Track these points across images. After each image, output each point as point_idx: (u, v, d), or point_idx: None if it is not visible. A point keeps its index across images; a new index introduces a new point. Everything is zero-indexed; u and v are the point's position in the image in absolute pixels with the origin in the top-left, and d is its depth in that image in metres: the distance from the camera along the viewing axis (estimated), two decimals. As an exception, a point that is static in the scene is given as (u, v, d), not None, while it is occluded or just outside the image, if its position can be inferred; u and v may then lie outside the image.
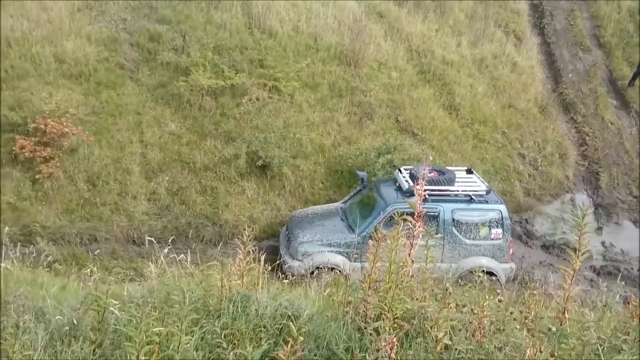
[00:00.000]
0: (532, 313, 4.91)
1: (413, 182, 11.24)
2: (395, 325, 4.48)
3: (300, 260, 10.98)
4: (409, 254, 4.90)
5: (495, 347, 4.38)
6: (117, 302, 4.78)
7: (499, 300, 4.96)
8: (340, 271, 10.73)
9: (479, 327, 4.47)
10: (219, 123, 14.12)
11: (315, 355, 4.59)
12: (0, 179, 12.15)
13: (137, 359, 4.07)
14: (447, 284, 4.58)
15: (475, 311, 4.57)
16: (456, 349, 4.39)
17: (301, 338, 4.09)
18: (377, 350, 4.01)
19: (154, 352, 4.18)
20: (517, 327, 4.68)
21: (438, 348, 4.28)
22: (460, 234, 11.21)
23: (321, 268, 10.73)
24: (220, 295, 4.99)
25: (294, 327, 4.19)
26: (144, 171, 13.24)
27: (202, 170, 13.44)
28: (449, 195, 11.34)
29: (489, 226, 11.35)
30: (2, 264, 6.24)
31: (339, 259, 10.99)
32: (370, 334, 4.43)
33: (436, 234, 10.88)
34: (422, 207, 4.88)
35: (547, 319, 4.78)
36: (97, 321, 4.63)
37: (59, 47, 14.33)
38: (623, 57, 19.39)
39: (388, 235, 4.76)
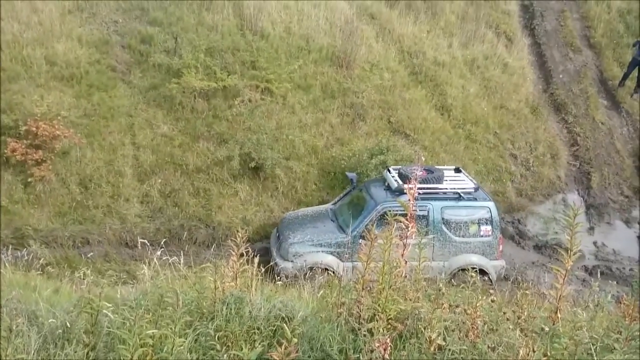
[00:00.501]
0: (525, 313, 4.93)
1: (402, 181, 11.29)
2: (389, 326, 4.49)
3: (291, 261, 10.99)
4: (402, 255, 4.92)
5: (488, 347, 4.40)
6: (110, 305, 4.77)
7: (492, 301, 4.98)
8: (332, 271, 10.75)
9: (472, 327, 4.49)
10: (211, 125, 14.10)
11: (309, 356, 4.59)
12: (-9, 182, 12.10)
13: (130, 361, 4.06)
14: (440, 284, 4.58)
15: (468, 311, 4.58)
16: (450, 350, 4.41)
17: (295, 340, 4.09)
18: (371, 351, 4.02)
19: (148, 355, 4.18)
20: (510, 327, 4.70)
21: (432, 349, 4.29)
22: (450, 231, 11.26)
23: (313, 269, 10.75)
24: (214, 297, 4.99)
25: (287, 329, 4.20)
26: (136, 173, 13.22)
27: (194, 172, 13.42)
28: (437, 193, 11.38)
29: (478, 223, 11.41)
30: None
31: (330, 259, 11.01)
32: (364, 335, 4.44)
33: (426, 232, 10.92)
34: (414, 209, 4.90)
35: (540, 319, 4.80)
36: (90, 324, 4.62)
37: (50, 50, 14.27)
38: (613, 58, 19.48)
39: (380, 235, 4.77)
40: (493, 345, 4.42)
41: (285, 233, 11.52)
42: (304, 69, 15.59)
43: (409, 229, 4.95)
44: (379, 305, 4.63)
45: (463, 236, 11.31)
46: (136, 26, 15.51)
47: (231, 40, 15.42)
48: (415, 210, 5.07)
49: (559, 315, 4.70)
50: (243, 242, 5.20)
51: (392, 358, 4.29)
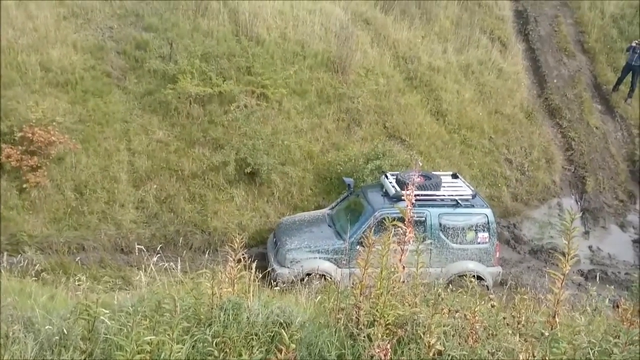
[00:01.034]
0: (523, 318, 4.93)
1: (399, 187, 11.28)
2: (388, 331, 4.48)
3: (288, 268, 10.95)
4: (400, 260, 4.91)
5: (488, 352, 4.39)
6: (107, 311, 4.74)
7: (492, 305, 4.97)
8: (329, 278, 10.71)
9: (472, 332, 4.48)
10: (207, 130, 14.08)
11: (307, 362, 4.58)
12: (-14, 188, 12.05)
13: (128, 368, 4.04)
14: (439, 290, 4.58)
15: (467, 316, 4.57)
16: (449, 355, 4.40)
17: (293, 345, 4.08)
18: (371, 357, 4.01)
19: (145, 361, 4.16)
20: (509, 332, 4.69)
21: (431, 354, 4.28)
22: (447, 238, 11.26)
23: (310, 275, 10.71)
24: (211, 303, 4.97)
25: (285, 335, 4.18)
26: (131, 179, 13.18)
27: (190, 178, 13.39)
28: (435, 200, 11.38)
29: (475, 230, 11.41)
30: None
31: (327, 266, 10.98)
32: (363, 340, 4.42)
33: (423, 238, 10.88)
34: (412, 215, 4.90)
35: (539, 324, 4.80)
36: (87, 330, 4.59)
37: (45, 56, 14.23)
38: (607, 63, 19.59)
39: (378, 241, 4.76)
40: (492, 351, 4.41)
41: (283, 239, 11.48)
42: (300, 74, 15.59)
43: (407, 234, 4.95)
44: (377, 310, 4.62)
45: (460, 243, 11.32)
46: (131, 32, 15.49)
47: (227, 45, 15.41)
48: (413, 216, 5.05)
49: (557, 319, 4.70)
50: (240, 248, 5.18)
51: (392, 364, 4.28)
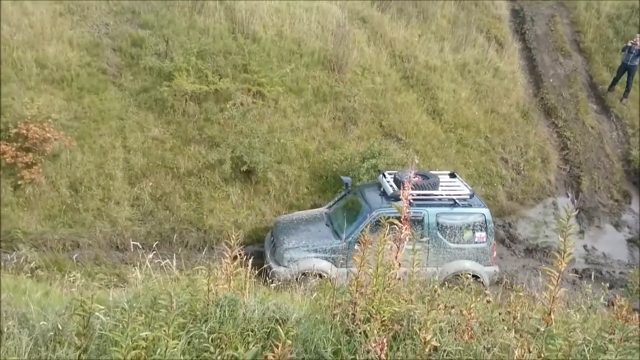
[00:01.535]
0: (519, 314, 4.94)
1: (397, 186, 11.27)
2: (384, 327, 4.48)
3: (285, 267, 10.93)
4: (396, 257, 4.91)
5: (484, 347, 4.40)
6: (102, 307, 4.72)
7: (487, 301, 4.98)
8: (327, 277, 10.68)
9: (467, 328, 4.48)
10: (202, 128, 14.06)
11: (303, 358, 4.57)
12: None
13: (123, 364, 4.03)
14: (436, 286, 4.58)
15: (463, 313, 4.58)
16: (445, 350, 4.40)
17: (289, 341, 4.07)
18: (367, 352, 4.01)
19: (141, 357, 4.14)
20: (505, 328, 4.70)
21: (427, 350, 4.28)
22: (445, 237, 11.25)
23: (307, 274, 10.69)
24: (207, 299, 4.95)
25: (282, 331, 4.17)
26: (127, 177, 13.15)
27: (186, 176, 13.37)
28: (433, 199, 11.38)
29: (472, 229, 11.41)
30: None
31: (324, 265, 10.95)
32: (359, 336, 4.42)
33: (421, 238, 10.91)
34: (406, 212, 4.90)
35: (534, 320, 4.81)
36: (82, 326, 4.57)
37: (41, 52, 14.19)
38: (603, 62, 19.63)
39: (374, 240, 4.76)
40: (488, 346, 4.42)
41: (280, 238, 11.45)
42: (296, 72, 15.59)
43: (403, 231, 4.95)
44: (373, 307, 4.62)
45: (457, 242, 11.31)
46: (127, 29, 15.46)
47: (223, 43, 15.40)
48: (410, 213, 5.04)
49: (552, 316, 4.70)
50: (236, 245, 5.17)
51: (388, 359, 4.27)
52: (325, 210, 12.45)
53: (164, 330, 4.30)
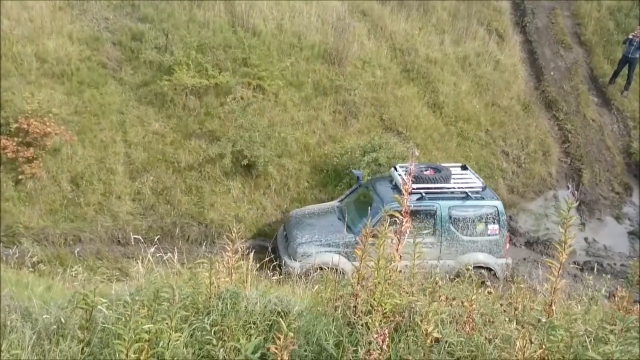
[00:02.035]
0: (520, 306, 4.95)
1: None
2: (386, 319, 4.50)
3: (299, 262, 10.90)
4: (397, 250, 4.92)
5: (485, 338, 4.41)
6: (105, 301, 4.74)
7: (488, 292, 5.00)
8: (342, 272, 10.62)
9: (469, 319, 4.50)
10: (203, 122, 14.06)
11: (305, 351, 4.59)
12: (-19, 179, 12.02)
13: (126, 356, 4.04)
14: (437, 278, 4.59)
15: (464, 304, 4.59)
16: (446, 342, 4.42)
17: (291, 334, 4.08)
18: (369, 343, 4.02)
19: (144, 350, 4.16)
20: (506, 319, 4.71)
21: (428, 341, 4.30)
22: (457, 230, 11.21)
23: (322, 268, 10.62)
24: (209, 292, 4.97)
25: (284, 323, 4.19)
26: (128, 171, 13.16)
27: (186, 170, 13.38)
28: (445, 192, 11.36)
29: (485, 222, 11.36)
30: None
31: (337, 259, 10.89)
32: (361, 327, 4.44)
33: (433, 231, 10.93)
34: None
35: (535, 312, 4.82)
36: (85, 320, 4.59)
37: (41, 46, 14.18)
38: (604, 55, 19.59)
39: (379, 231, 4.78)
40: (490, 337, 4.43)
41: (293, 232, 11.39)
42: (296, 66, 15.57)
43: (404, 223, 4.95)
44: (374, 299, 4.63)
45: (470, 235, 11.28)
46: (127, 23, 15.44)
47: (223, 37, 15.38)
48: (410, 207, 5.04)
49: (553, 308, 4.72)
50: (238, 238, 5.19)
51: (390, 350, 4.29)
52: (337, 204, 12.40)
53: (167, 323, 4.32)
